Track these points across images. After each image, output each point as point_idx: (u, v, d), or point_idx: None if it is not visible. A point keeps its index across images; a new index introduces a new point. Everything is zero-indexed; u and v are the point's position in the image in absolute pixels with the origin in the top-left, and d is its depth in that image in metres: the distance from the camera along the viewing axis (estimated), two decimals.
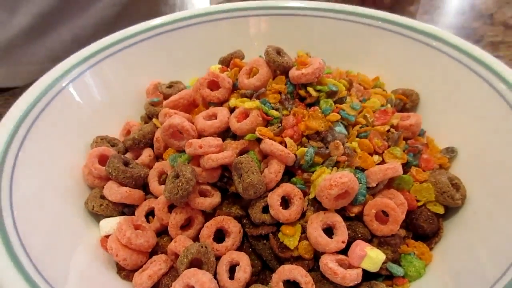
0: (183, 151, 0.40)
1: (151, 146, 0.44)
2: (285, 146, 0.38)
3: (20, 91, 0.43)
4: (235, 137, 0.41)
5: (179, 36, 0.54)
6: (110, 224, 0.38)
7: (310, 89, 0.41)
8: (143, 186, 0.41)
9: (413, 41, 0.49)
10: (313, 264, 0.36)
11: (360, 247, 0.35)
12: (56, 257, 0.34)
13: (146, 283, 0.34)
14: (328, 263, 0.34)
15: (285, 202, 0.37)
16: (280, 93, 0.41)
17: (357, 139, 0.40)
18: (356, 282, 0.34)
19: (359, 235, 0.36)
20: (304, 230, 0.36)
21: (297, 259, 0.36)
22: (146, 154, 0.43)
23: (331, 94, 0.42)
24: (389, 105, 0.46)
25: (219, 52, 0.52)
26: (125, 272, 0.36)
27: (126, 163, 0.41)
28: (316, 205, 0.37)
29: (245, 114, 0.40)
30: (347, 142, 0.40)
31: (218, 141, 0.38)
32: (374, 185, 0.37)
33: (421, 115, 0.46)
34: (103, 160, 0.42)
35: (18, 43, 0.68)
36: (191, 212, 0.37)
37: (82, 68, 0.46)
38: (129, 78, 0.50)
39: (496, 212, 0.36)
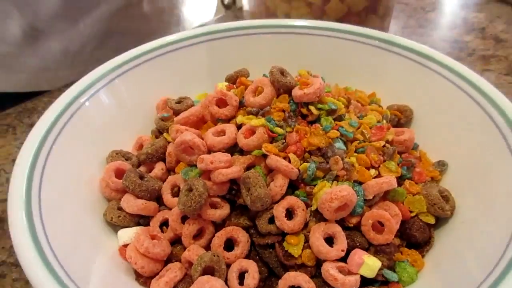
0: (194, 165, 0.43)
1: (163, 159, 0.47)
2: (289, 161, 0.41)
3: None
4: (242, 151, 0.44)
5: (187, 54, 0.57)
6: (127, 234, 0.41)
7: (311, 107, 0.44)
8: (157, 198, 0.45)
9: (409, 60, 0.52)
10: (315, 271, 0.39)
11: (358, 255, 0.38)
12: (81, 262, 0.37)
13: None
14: (329, 270, 0.37)
15: (289, 213, 0.41)
16: (283, 111, 0.45)
17: (355, 154, 0.43)
18: None
19: (357, 244, 0.39)
20: (307, 240, 0.39)
21: (300, 267, 0.39)
22: (159, 168, 0.46)
23: (331, 112, 0.45)
24: (384, 121, 0.49)
25: (225, 68, 0.55)
26: (143, 279, 0.39)
27: (141, 177, 0.44)
28: (318, 216, 0.40)
29: (252, 131, 0.43)
30: (346, 157, 0.43)
31: (227, 156, 0.41)
32: (371, 197, 0.41)
33: (414, 130, 0.49)
34: (119, 173, 0.45)
35: (11, 51, 0.72)
36: (202, 223, 0.41)
37: (97, 87, 0.49)
38: (140, 94, 0.54)
39: (482, 221, 0.39)
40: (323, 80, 0.54)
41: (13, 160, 0.59)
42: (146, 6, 0.79)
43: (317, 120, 0.45)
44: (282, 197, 0.41)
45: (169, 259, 0.41)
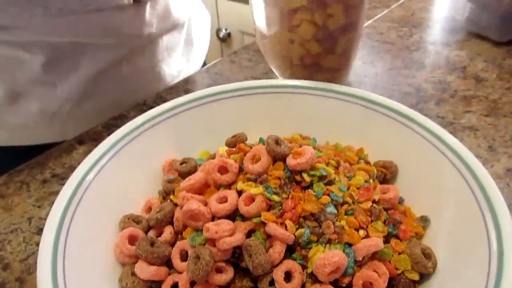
0: (200, 230, 0.48)
1: (171, 223, 0.52)
2: (286, 227, 0.46)
3: None
4: (242, 215, 0.49)
5: (188, 116, 0.62)
6: None
7: (304, 175, 0.49)
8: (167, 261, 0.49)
9: (393, 120, 0.57)
10: None
11: None
12: None
13: None
14: None
15: (288, 275, 0.45)
16: (279, 178, 0.50)
17: (345, 216, 0.48)
18: None
19: None
20: None
21: None
22: (168, 232, 0.51)
23: (322, 177, 0.50)
24: (371, 180, 0.54)
25: (224, 126, 0.62)
26: None
27: (152, 243, 0.48)
28: (313, 277, 0.45)
29: (251, 198, 0.48)
30: (336, 221, 0.48)
31: (230, 225, 0.46)
32: (360, 259, 0.45)
33: (397, 187, 0.54)
34: (131, 239, 0.49)
35: None
36: (210, 287, 0.45)
37: (107, 158, 0.54)
38: (146, 159, 0.58)
39: (462, 275, 0.44)
40: (315, 141, 0.59)
41: (29, 219, 0.63)
42: (125, 68, 0.80)
43: (310, 185, 0.50)
44: (281, 261, 0.45)
45: None
